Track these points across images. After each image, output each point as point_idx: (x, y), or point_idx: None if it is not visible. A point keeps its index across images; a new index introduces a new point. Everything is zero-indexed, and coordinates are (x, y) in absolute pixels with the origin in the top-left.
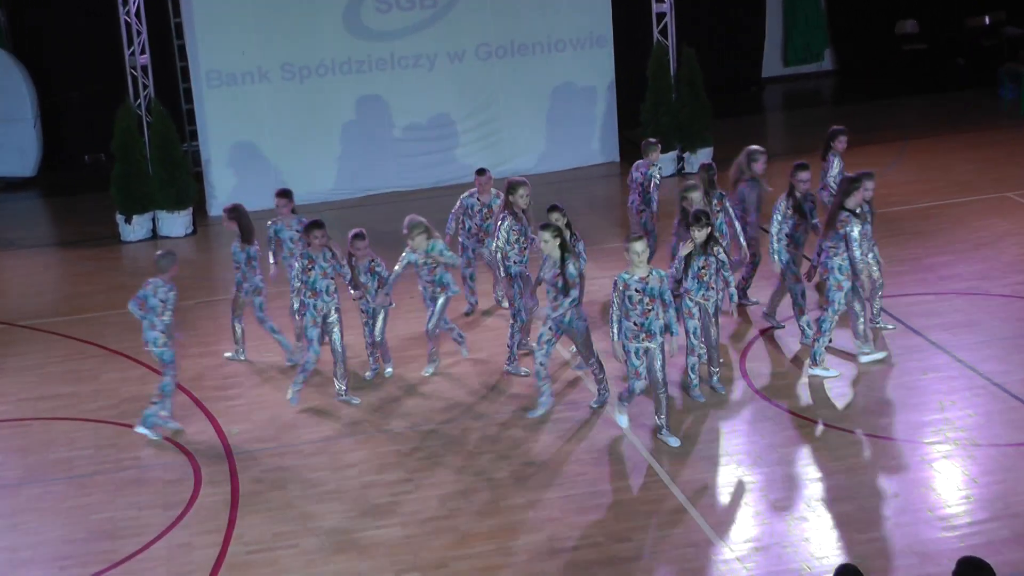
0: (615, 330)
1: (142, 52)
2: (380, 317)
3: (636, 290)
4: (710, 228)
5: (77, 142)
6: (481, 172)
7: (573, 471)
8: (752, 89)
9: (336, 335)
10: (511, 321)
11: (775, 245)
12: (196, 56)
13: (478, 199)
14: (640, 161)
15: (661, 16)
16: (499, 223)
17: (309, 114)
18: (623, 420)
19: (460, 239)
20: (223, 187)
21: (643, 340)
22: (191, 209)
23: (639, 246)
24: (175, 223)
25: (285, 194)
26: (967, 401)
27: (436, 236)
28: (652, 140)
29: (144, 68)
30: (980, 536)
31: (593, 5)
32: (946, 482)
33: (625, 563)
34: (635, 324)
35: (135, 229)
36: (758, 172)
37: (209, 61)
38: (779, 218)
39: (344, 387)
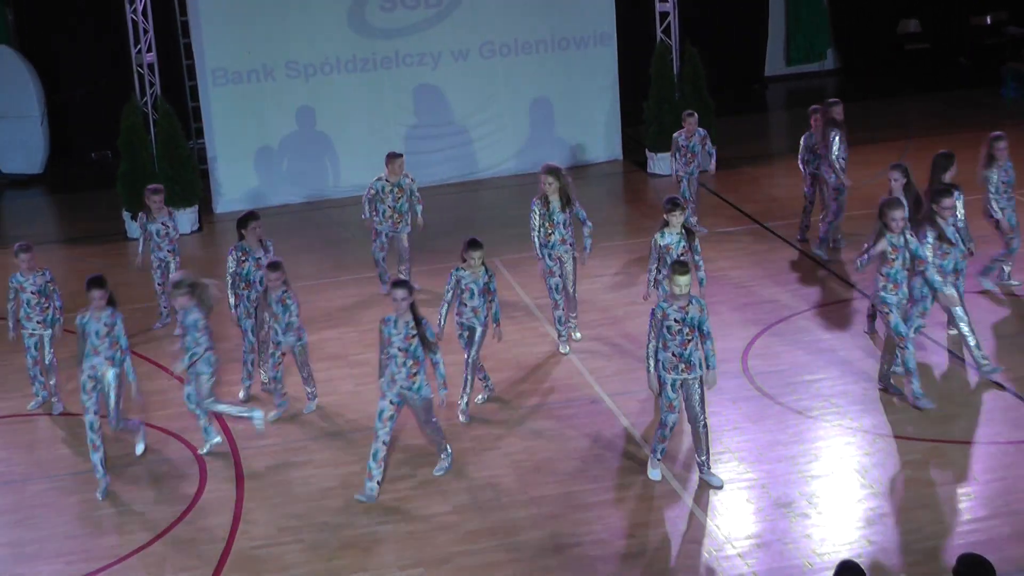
0: (651, 363)
1: (148, 50)
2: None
3: (676, 320)
4: (685, 212)
5: (84, 139)
6: (395, 155)
7: (575, 468)
8: (755, 88)
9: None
10: (553, 303)
11: (935, 279)
12: (202, 54)
13: (387, 181)
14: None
15: (664, 15)
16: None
17: (314, 112)
18: (656, 474)
19: (374, 224)
20: (229, 184)
21: (682, 371)
22: (197, 206)
23: (683, 280)
24: (181, 220)
25: (99, 284)
26: (966, 399)
27: (201, 303)
28: (688, 111)
29: (150, 66)
30: (981, 533)
31: (597, 4)
32: (947, 479)
33: (628, 559)
34: (673, 355)
35: None
36: (999, 155)
37: (215, 59)
38: (927, 253)
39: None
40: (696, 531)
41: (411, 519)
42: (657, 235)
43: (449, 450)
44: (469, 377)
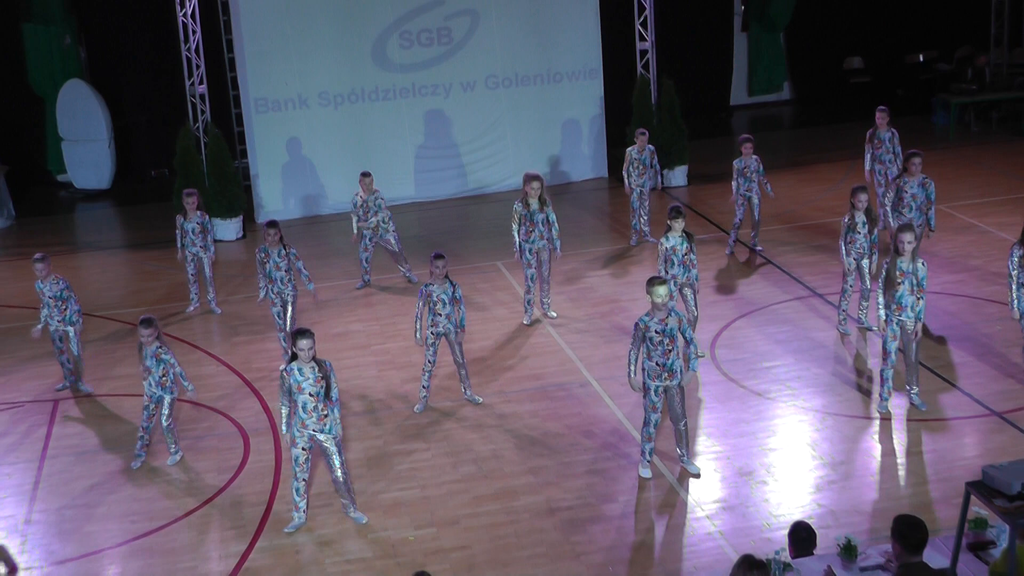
0: (632, 369)
1: (200, 82)
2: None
3: (657, 331)
4: (684, 219)
5: (144, 159)
6: (365, 175)
7: (567, 442)
8: (722, 115)
9: (290, 314)
10: (526, 288)
11: (1013, 294)
12: (246, 86)
13: (362, 197)
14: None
15: (644, 52)
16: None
17: (342, 135)
18: (646, 472)
19: (361, 232)
20: (269, 198)
21: (665, 379)
22: (241, 217)
23: (662, 290)
24: (227, 229)
25: None
26: (901, 384)
27: None
28: (640, 129)
29: (202, 96)
30: (914, 498)
31: (586, 43)
32: (886, 452)
33: (613, 520)
34: (657, 364)
35: None
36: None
37: (257, 90)
38: (1013, 270)
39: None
40: (671, 496)
41: (425, 486)
42: (662, 239)
43: (358, 514)
44: (463, 372)
